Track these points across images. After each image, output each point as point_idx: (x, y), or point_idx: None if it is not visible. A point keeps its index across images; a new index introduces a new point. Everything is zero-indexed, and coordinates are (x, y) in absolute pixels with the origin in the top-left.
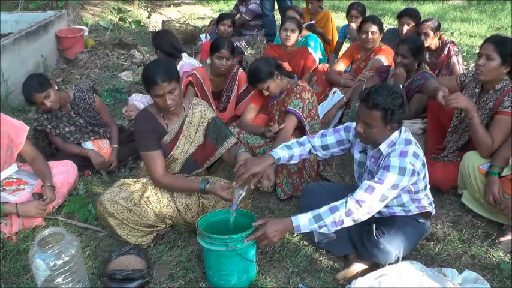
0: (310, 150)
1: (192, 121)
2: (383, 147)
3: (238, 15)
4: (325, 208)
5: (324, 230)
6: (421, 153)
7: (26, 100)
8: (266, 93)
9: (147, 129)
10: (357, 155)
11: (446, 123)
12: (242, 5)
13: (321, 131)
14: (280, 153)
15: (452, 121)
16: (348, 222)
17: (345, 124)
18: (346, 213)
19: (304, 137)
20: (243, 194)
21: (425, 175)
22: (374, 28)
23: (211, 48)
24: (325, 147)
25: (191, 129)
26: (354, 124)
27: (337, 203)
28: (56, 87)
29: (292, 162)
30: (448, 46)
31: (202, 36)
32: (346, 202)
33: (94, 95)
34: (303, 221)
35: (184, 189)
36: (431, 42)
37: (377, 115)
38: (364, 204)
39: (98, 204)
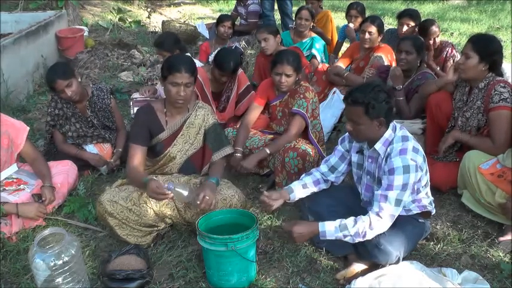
0: (322, 178)
1: (193, 122)
2: (378, 146)
3: (238, 20)
4: (351, 218)
5: (348, 239)
6: (420, 147)
7: (48, 85)
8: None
9: (142, 123)
10: (354, 157)
11: (444, 124)
12: (240, 6)
13: (324, 159)
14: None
15: (450, 122)
16: (371, 235)
17: (339, 139)
18: (369, 226)
19: (312, 170)
20: (181, 192)
21: (426, 170)
22: (372, 29)
23: (215, 62)
24: (331, 168)
25: (191, 130)
26: (345, 135)
27: (361, 216)
28: (80, 80)
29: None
30: (447, 49)
31: (200, 25)
32: (369, 216)
33: (111, 96)
34: (329, 227)
35: (134, 182)
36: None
37: (359, 111)
38: (383, 213)
39: (97, 205)
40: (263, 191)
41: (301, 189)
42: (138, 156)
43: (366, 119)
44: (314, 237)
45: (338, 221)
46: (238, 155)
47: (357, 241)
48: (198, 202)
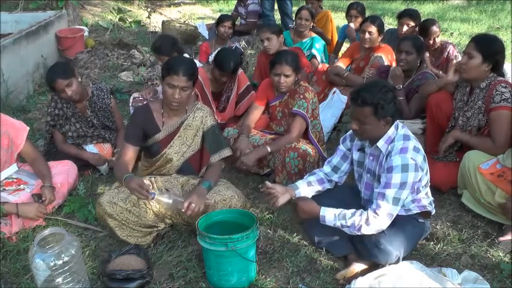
0: (326, 178)
1: (191, 124)
2: (381, 143)
3: (238, 20)
4: (351, 210)
5: (345, 230)
6: (421, 147)
7: (48, 85)
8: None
9: (138, 123)
10: (355, 155)
11: (444, 124)
12: (241, 6)
13: (327, 160)
14: (303, 191)
15: (450, 121)
16: (367, 230)
17: (341, 139)
18: (366, 221)
19: (316, 170)
20: (164, 201)
21: (427, 170)
22: (372, 29)
23: (215, 62)
24: (334, 168)
25: (188, 132)
26: (347, 135)
27: (362, 210)
28: (80, 80)
29: (312, 189)
30: (448, 50)
31: (200, 25)
32: (367, 212)
33: (111, 96)
34: (329, 214)
35: (117, 175)
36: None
37: (367, 111)
38: (380, 211)
39: (97, 206)
40: (266, 184)
41: (306, 186)
42: (128, 155)
43: (373, 119)
44: (313, 238)
45: (339, 210)
46: (245, 136)
47: (354, 233)
48: (183, 210)
